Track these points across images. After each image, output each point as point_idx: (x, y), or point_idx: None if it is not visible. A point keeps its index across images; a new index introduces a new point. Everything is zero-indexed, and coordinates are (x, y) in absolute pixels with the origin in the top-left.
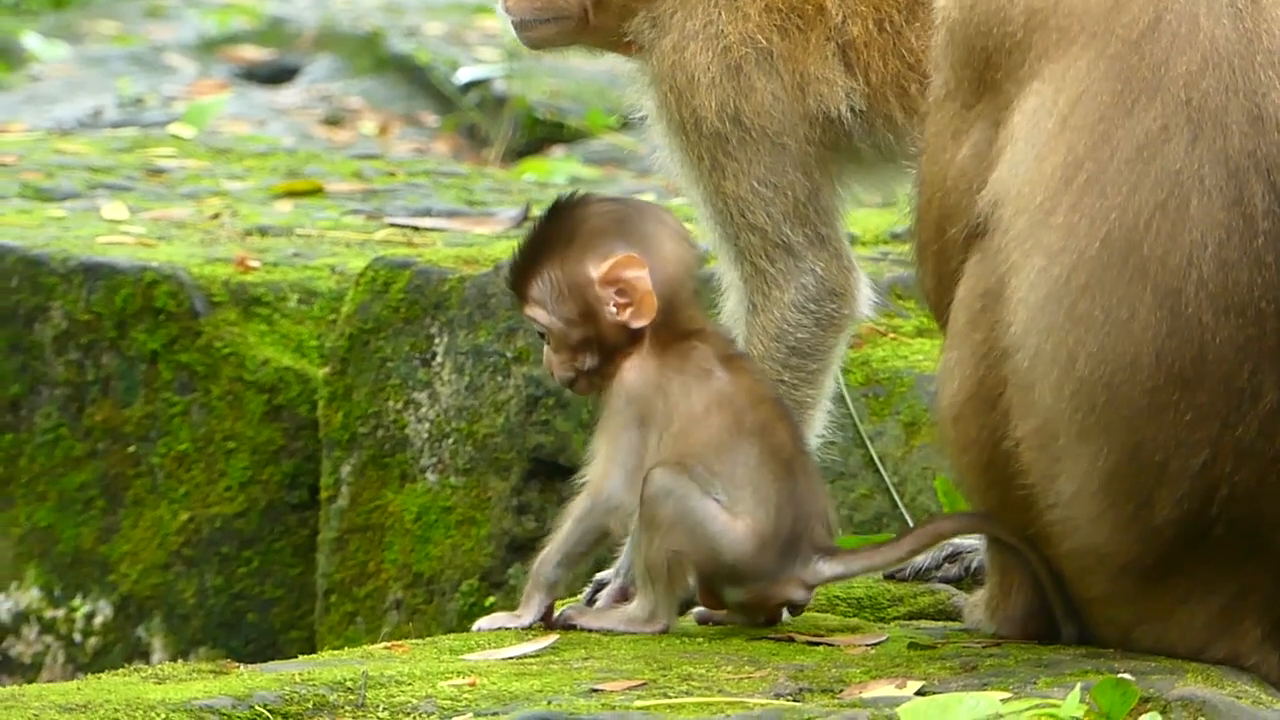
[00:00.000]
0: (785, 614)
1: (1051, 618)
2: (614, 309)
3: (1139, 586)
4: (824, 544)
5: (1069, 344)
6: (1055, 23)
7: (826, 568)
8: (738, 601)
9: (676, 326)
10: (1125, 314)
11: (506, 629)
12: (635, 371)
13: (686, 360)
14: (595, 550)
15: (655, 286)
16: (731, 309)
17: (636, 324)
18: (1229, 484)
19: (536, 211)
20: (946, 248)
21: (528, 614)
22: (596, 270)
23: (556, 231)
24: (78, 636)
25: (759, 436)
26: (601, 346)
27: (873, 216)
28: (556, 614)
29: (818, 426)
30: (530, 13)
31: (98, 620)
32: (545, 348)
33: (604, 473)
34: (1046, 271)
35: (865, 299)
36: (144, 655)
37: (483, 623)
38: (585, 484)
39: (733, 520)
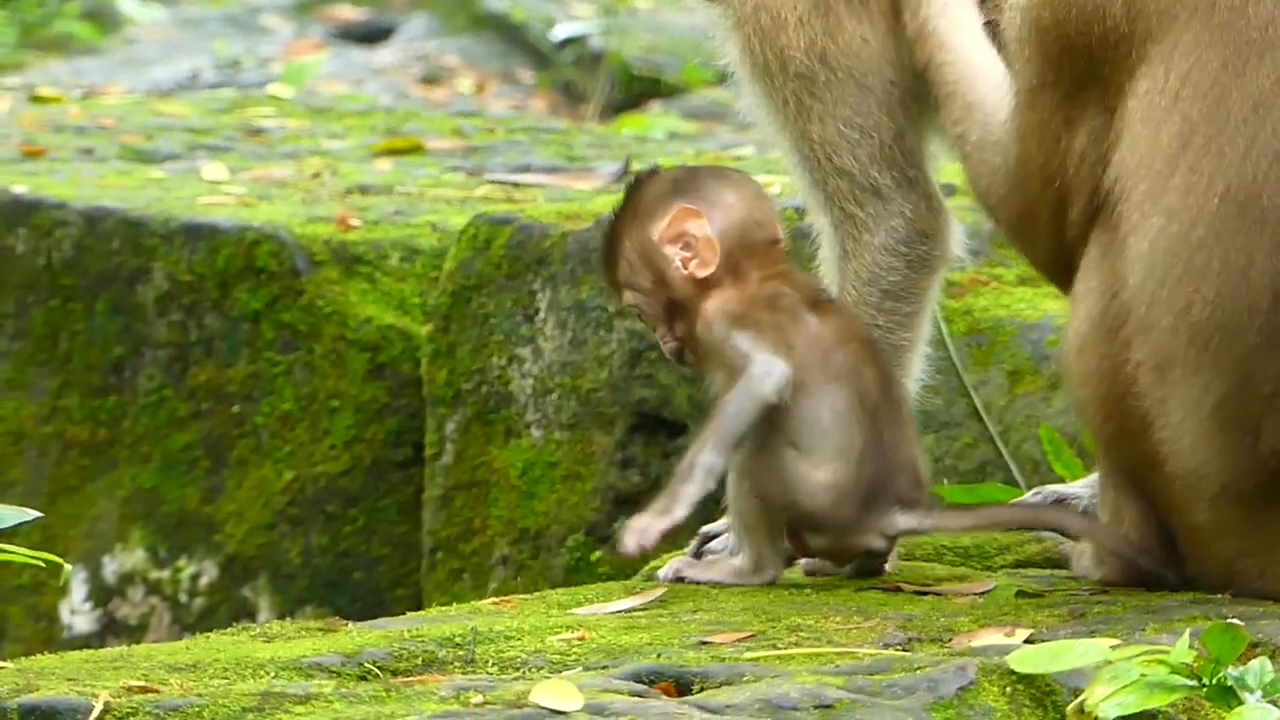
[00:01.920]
0: (890, 563)
1: (1160, 557)
2: (679, 264)
3: (1241, 516)
4: (907, 495)
5: (1185, 293)
6: (1155, 6)
7: (903, 520)
8: (820, 547)
9: (753, 272)
10: (1243, 262)
11: (653, 530)
12: (716, 304)
13: (773, 304)
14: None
15: (717, 234)
16: (825, 256)
17: (702, 272)
18: None
19: (636, 166)
20: (1067, 225)
21: (679, 508)
22: (656, 231)
23: (627, 210)
24: (184, 597)
25: (847, 381)
26: (682, 309)
27: None
28: (664, 569)
29: (916, 370)
30: None
31: (203, 581)
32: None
33: (741, 359)
34: (1165, 230)
35: (956, 240)
36: (250, 615)
37: (630, 535)
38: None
39: (811, 469)
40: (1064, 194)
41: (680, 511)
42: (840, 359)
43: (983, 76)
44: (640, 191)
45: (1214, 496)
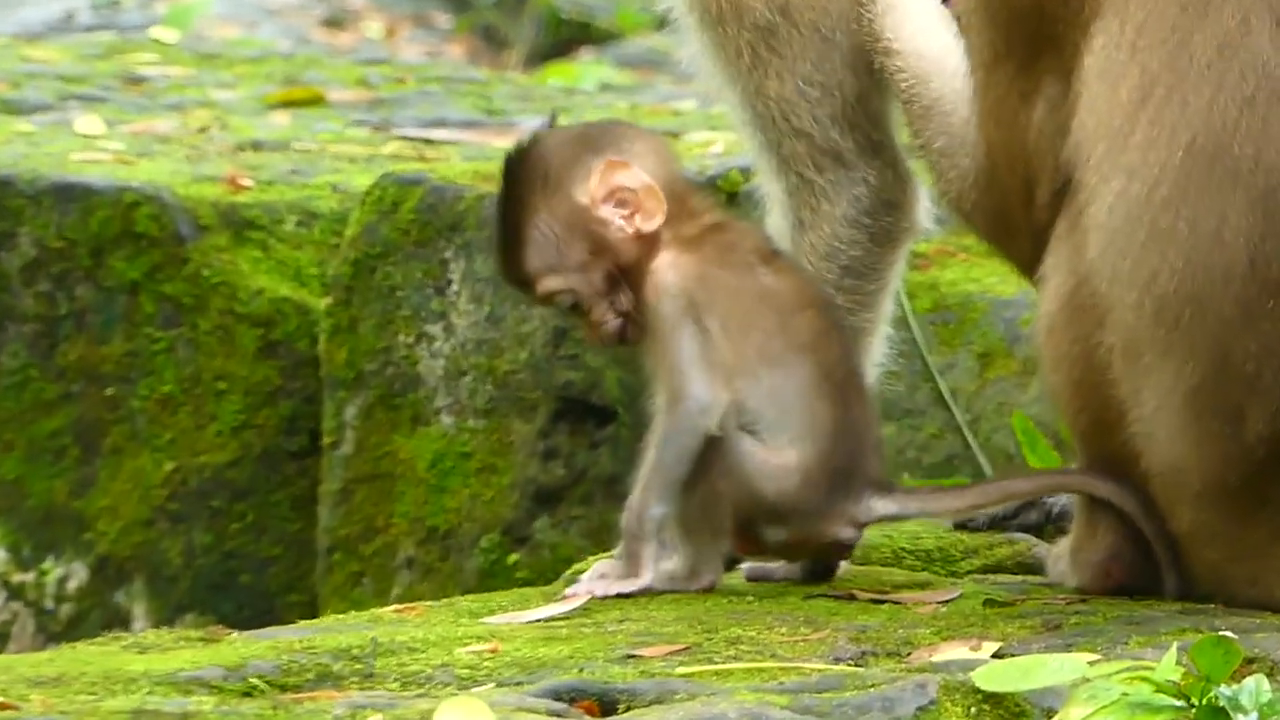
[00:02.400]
0: (843, 566)
1: (1140, 562)
2: (621, 221)
3: (1228, 517)
4: (877, 478)
5: (1150, 262)
6: None
7: (880, 505)
8: (779, 542)
9: (695, 219)
10: (1214, 223)
11: (623, 595)
12: (669, 267)
13: (726, 255)
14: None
15: (651, 180)
16: (775, 226)
17: (649, 225)
18: None
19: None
20: (1036, 211)
21: (644, 572)
22: (585, 192)
23: (525, 185)
24: (49, 603)
25: (810, 352)
26: (627, 274)
27: None
28: (588, 573)
29: (877, 355)
30: None
31: (72, 584)
32: (582, 320)
33: (679, 378)
34: (1125, 192)
35: (924, 210)
36: (124, 623)
37: (593, 587)
38: (660, 404)
39: (771, 454)
40: (1030, 177)
41: (649, 575)
42: (801, 325)
43: (936, 72)
44: (539, 160)
45: (1196, 496)
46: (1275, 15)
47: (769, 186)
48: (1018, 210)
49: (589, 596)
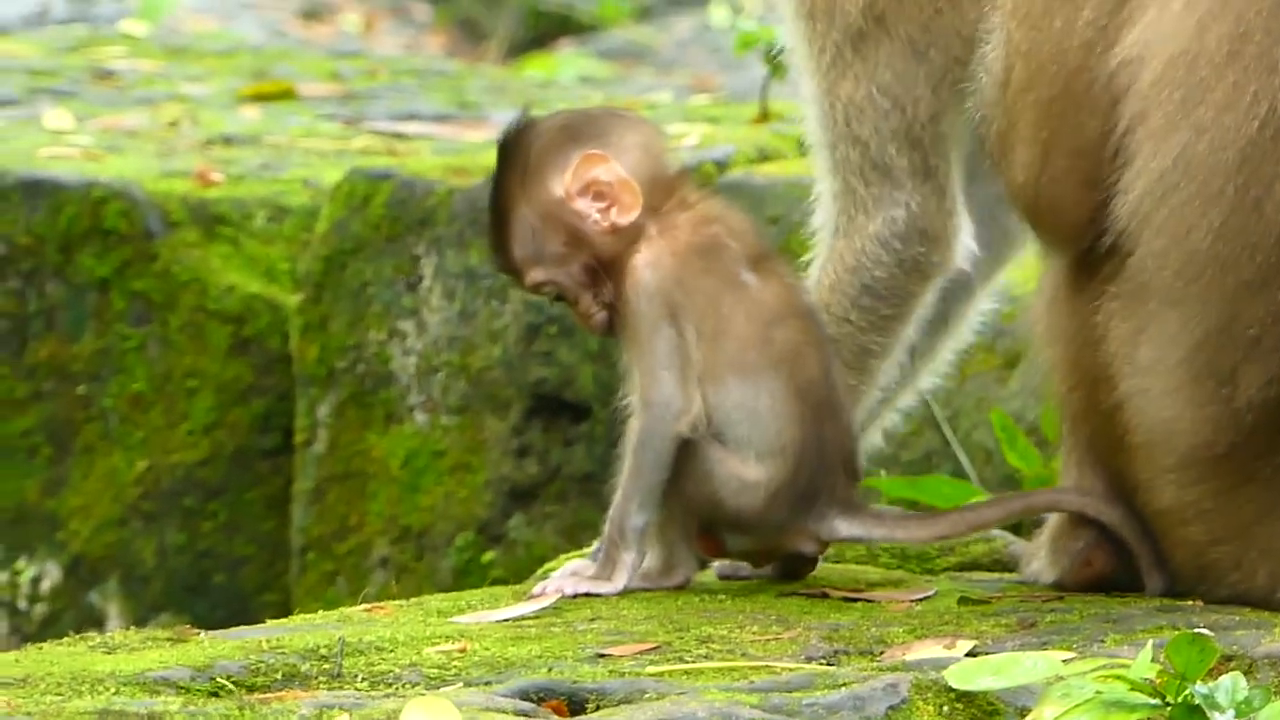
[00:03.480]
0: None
1: (1121, 551)
2: (597, 215)
3: (1212, 493)
4: (845, 497)
5: (1189, 218)
6: None
7: (843, 526)
8: (741, 549)
9: (678, 214)
10: (1260, 191)
11: (593, 596)
12: (647, 266)
13: (710, 256)
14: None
15: (629, 174)
16: (818, 222)
17: (625, 219)
18: None
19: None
20: (1060, 130)
21: (619, 577)
22: (561, 184)
23: (512, 173)
24: (23, 603)
25: (787, 365)
26: (607, 267)
27: None
28: (559, 571)
29: (881, 380)
30: None
31: (45, 584)
32: (573, 310)
33: (651, 381)
34: (1191, 147)
35: (964, 249)
36: (97, 624)
37: (563, 584)
38: (633, 405)
39: (740, 466)
40: (1057, 90)
41: (623, 581)
42: (781, 337)
43: None
44: (523, 148)
45: (1182, 464)
46: None
47: (820, 184)
48: (1025, 115)
49: (559, 595)
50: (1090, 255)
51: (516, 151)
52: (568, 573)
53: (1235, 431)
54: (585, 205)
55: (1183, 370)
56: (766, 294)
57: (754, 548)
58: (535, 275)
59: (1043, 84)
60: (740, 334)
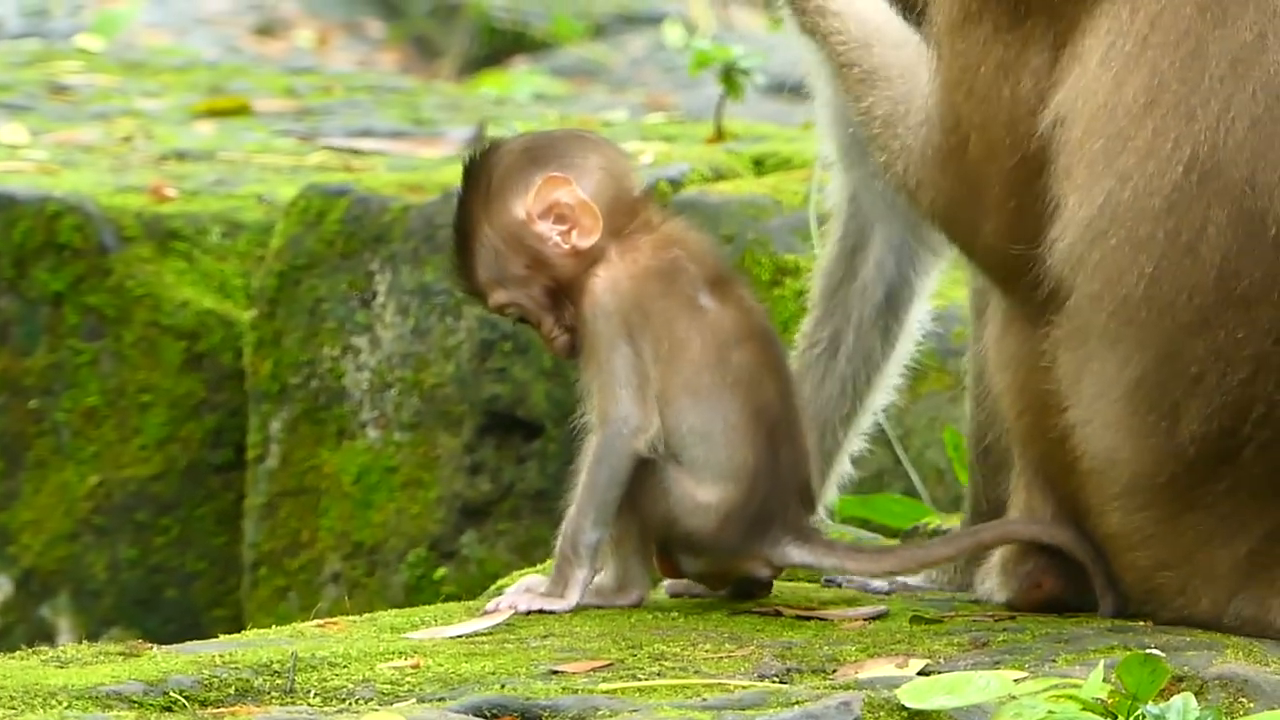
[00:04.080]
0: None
1: (1072, 573)
2: (558, 238)
3: (1157, 519)
4: (798, 524)
5: (1120, 263)
6: None
7: (796, 553)
8: (695, 571)
9: (639, 236)
10: (1192, 236)
11: (545, 612)
12: (605, 285)
13: (668, 279)
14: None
15: (590, 198)
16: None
17: (585, 242)
18: (1267, 403)
19: (492, 131)
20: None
21: (571, 594)
22: (523, 207)
23: (475, 195)
24: None
25: (744, 388)
26: (568, 290)
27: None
28: (512, 587)
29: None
30: None
31: None
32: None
33: (609, 398)
34: (1114, 195)
35: None
36: (48, 638)
37: (516, 600)
38: (591, 422)
39: (695, 487)
40: (1007, 152)
41: (575, 597)
42: (739, 360)
43: (878, 39)
44: (487, 170)
45: (1127, 492)
46: None
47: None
48: (991, 187)
49: (511, 611)
50: (1037, 293)
51: (480, 174)
52: (521, 589)
53: (1177, 462)
54: (546, 228)
55: (1123, 404)
56: (725, 317)
57: (708, 570)
58: (498, 297)
59: (1003, 154)
60: (696, 357)
